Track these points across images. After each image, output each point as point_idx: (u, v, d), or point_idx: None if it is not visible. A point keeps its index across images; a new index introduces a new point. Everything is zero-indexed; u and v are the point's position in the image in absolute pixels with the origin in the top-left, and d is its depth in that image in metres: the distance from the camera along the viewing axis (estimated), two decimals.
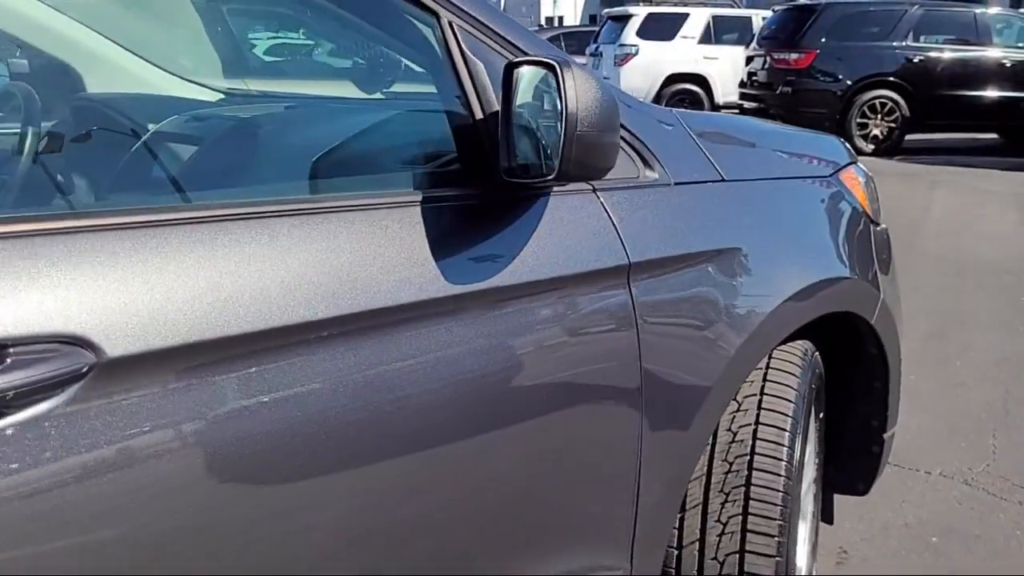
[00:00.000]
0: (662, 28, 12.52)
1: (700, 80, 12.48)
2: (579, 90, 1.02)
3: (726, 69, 12.38)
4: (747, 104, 10.95)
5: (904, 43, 10.21)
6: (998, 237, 6.04)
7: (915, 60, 10.16)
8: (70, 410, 0.77)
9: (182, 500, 0.84)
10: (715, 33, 12.71)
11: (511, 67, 1.10)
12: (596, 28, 15.10)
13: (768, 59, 10.56)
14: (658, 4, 13.36)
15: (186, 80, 2.32)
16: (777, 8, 11.47)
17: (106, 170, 1.63)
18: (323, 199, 1.07)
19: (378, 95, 1.76)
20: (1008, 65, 10.22)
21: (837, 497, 2.22)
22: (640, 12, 12.76)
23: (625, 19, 12.83)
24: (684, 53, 12.40)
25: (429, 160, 1.26)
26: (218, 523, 0.88)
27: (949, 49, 10.26)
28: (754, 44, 11.29)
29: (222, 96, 2.27)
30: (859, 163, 2.05)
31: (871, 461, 2.06)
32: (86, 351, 0.78)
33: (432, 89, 1.28)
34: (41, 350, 0.76)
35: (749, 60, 11.23)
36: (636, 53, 12.28)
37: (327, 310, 0.95)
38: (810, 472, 1.85)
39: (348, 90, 2.49)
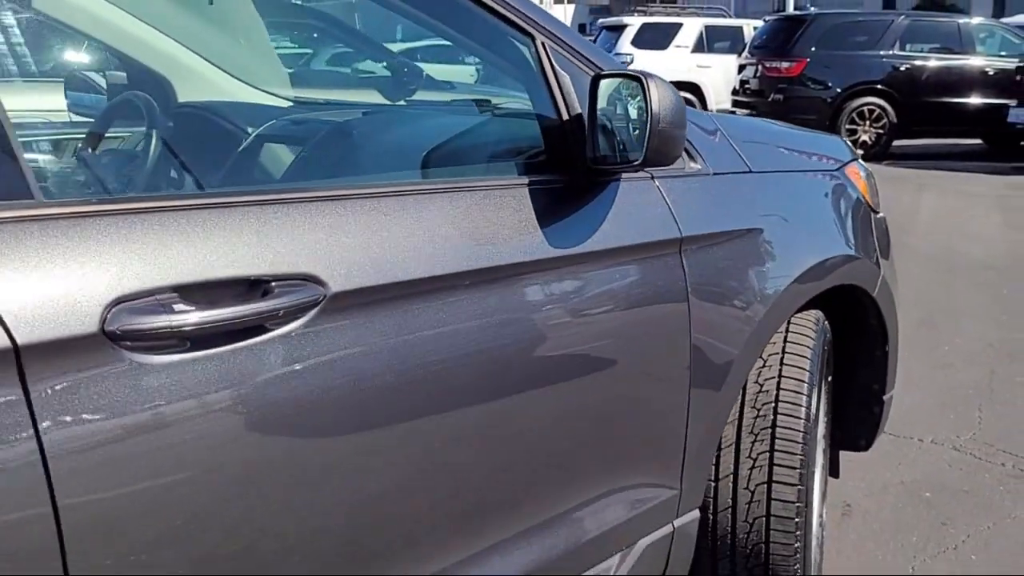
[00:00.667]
0: (656, 38, 12.88)
1: (693, 88, 12.82)
2: (660, 95, 1.31)
3: (718, 77, 12.75)
4: (739, 111, 11.29)
5: (891, 52, 10.57)
6: (983, 236, 6.37)
7: (902, 68, 10.53)
8: (311, 328, 1.06)
9: (389, 396, 1.14)
10: (708, 42, 13.07)
11: (597, 78, 1.39)
12: (588, 38, 15.43)
13: (760, 67, 10.91)
14: (652, 14, 13.72)
15: (258, 89, 2.61)
16: (768, 18, 11.84)
17: (228, 162, 1.92)
18: (444, 181, 1.37)
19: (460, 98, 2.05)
20: (991, 73, 10.60)
21: (841, 455, 2.52)
22: (635, 22, 13.12)
23: (620, 29, 13.18)
24: (678, 62, 12.75)
25: (520, 153, 1.55)
26: (415, 410, 1.18)
27: (934, 58, 10.64)
28: (746, 53, 11.64)
29: (291, 103, 2.56)
30: (859, 159, 2.36)
31: (872, 420, 2.35)
32: (320, 286, 1.07)
33: (509, 96, 1.57)
34: (291, 285, 1.05)
35: (741, 68, 11.58)
36: (631, 62, 12.61)
37: (467, 264, 1.25)
38: (821, 427, 2.14)
39: (373, 96, 2.79)
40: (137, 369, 0.93)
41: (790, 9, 18.30)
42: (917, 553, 2.39)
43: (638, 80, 1.34)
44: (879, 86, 10.47)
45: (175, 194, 1.52)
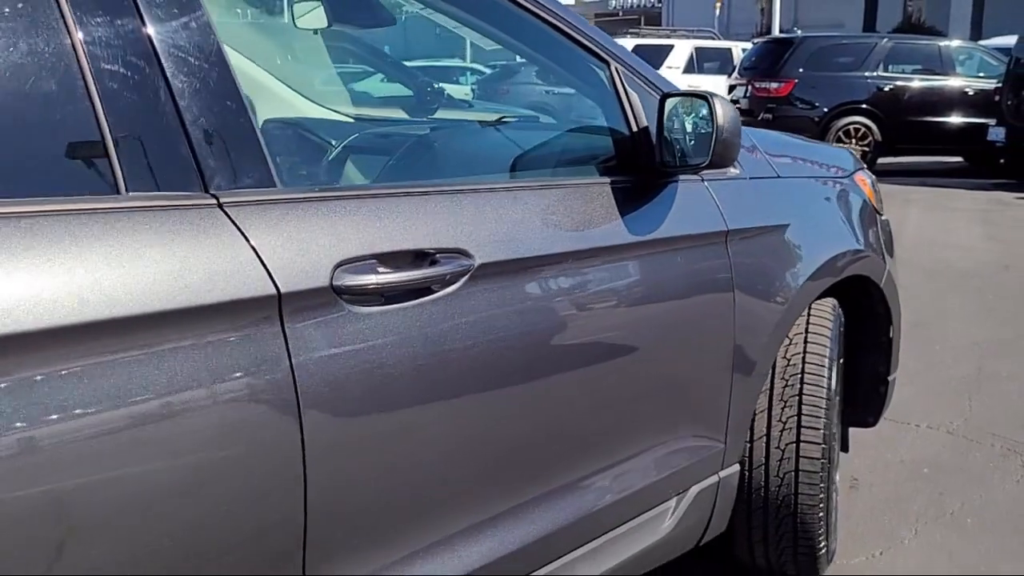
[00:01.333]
0: (648, 59, 13.23)
1: None
2: (723, 110, 1.62)
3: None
4: None
5: (875, 73, 11.01)
6: (967, 248, 6.74)
7: (885, 89, 10.96)
8: (464, 290, 1.35)
9: (520, 345, 1.44)
10: (698, 63, 13.50)
11: (665, 97, 1.71)
12: None
13: (750, 88, 11.32)
14: (644, 36, 14.14)
15: (323, 107, 2.91)
16: (757, 41, 12.26)
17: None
18: (548, 179, 1.68)
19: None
20: (970, 93, 11.05)
21: (850, 435, 2.82)
22: (627, 45, 13.53)
23: None
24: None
25: (594, 159, 1.86)
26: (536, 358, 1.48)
27: (916, 79, 11.09)
28: (736, 74, 12.06)
29: (352, 120, 2.86)
30: (865, 168, 2.68)
31: (878, 399, 2.66)
32: (469, 258, 1.37)
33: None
34: (449, 256, 1.35)
35: (731, 89, 11.99)
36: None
37: (573, 245, 1.55)
38: (836, 402, 2.44)
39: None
40: (352, 316, 1.22)
41: (775, 31, 18.79)
42: (918, 518, 2.69)
43: (704, 98, 1.65)
44: (864, 106, 10.89)
45: (366, 186, 1.79)
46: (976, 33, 24.82)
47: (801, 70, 10.94)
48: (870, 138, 10.84)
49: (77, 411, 0.99)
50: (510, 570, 1.50)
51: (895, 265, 2.63)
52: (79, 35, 1.07)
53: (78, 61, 1.07)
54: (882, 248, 2.51)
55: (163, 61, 1.14)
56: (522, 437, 1.52)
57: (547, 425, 1.55)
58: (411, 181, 1.71)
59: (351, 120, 2.81)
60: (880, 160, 11.02)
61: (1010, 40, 11.45)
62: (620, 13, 44.74)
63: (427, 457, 1.36)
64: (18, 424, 0.94)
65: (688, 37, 13.94)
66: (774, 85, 10.98)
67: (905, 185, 10.02)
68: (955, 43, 12.27)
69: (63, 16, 1.07)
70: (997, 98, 10.55)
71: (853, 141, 10.87)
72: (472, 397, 1.40)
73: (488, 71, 14.69)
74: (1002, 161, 11.04)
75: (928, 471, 3.00)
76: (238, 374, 1.11)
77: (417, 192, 1.39)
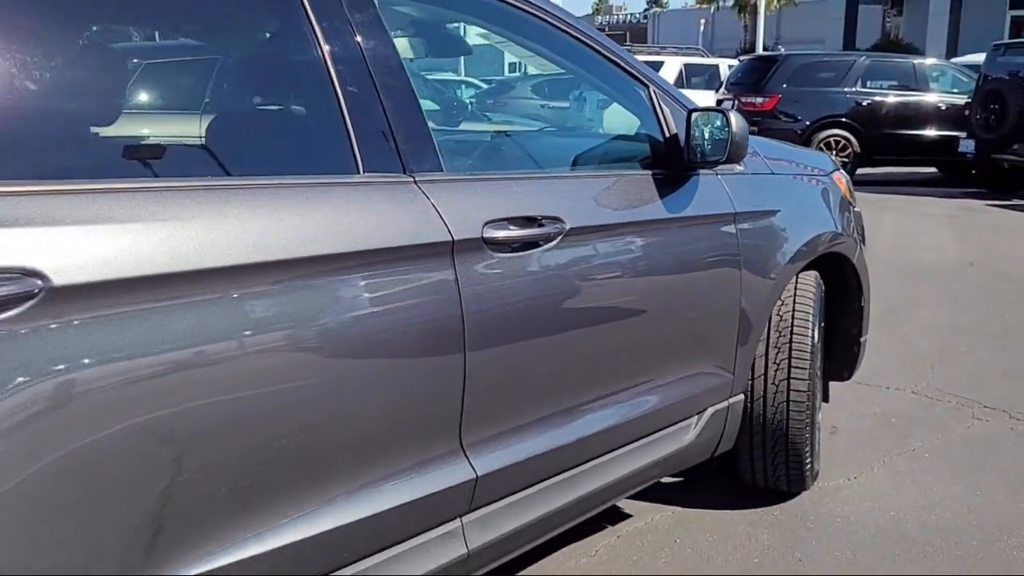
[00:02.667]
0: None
1: None
2: (736, 121, 2.23)
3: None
4: None
5: (854, 89, 11.70)
6: (936, 247, 7.41)
7: (864, 104, 11.65)
8: (559, 248, 1.94)
9: (597, 292, 2.04)
10: (687, 79, 14.19)
11: (692, 111, 2.31)
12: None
13: (736, 102, 11.98)
14: (636, 54, 14.84)
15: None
16: (743, 58, 12.94)
17: None
18: (605, 170, 2.28)
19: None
20: (943, 108, 11.76)
21: (830, 395, 3.41)
22: None
23: None
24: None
25: (635, 157, 2.46)
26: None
27: (893, 94, 11.79)
28: (723, 89, 12.74)
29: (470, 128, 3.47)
30: (841, 169, 3.30)
31: (852, 357, 3.27)
32: (560, 223, 1.96)
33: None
34: (548, 220, 1.94)
35: (719, 103, 12.67)
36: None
37: (628, 218, 2.16)
38: (818, 357, 3.05)
39: None
40: (492, 258, 1.82)
41: (759, 48, 19.51)
42: (886, 454, 3.30)
43: (722, 112, 2.26)
44: (844, 119, 11.58)
45: (497, 171, 2.34)
46: (952, 50, 25.68)
47: (785, 86, 11.62)
48: (849, 150, 11.53)
49: (342, 312, 1.57)
50: (596, 448, 2.12)
51: (864, 248, 3.24)
52: (334, 74, 1.67)
53: (332, 85, 1.67)
54: (855, 233, 3.12)
55: (377, 82, 1.74)
56: (597, 353, 2.12)
57: (614, 346, 2.16)
58: (521, 170, 2.31)
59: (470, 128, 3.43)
60: (859, 171, 11.69)
61: (980, 58, 12.19)
62: (606, 29, 45.49)
63: (537, 358, 1.96)
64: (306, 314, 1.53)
65: (677, 54, 14.65)
66: (759, 100, 11.65)
67: (882, 193, 10.70)
68: (929, 61, 13.01)
69: (324, 58, 1.67)
70: (967, 112, 11.27)
71: (833, 152, 11.54)
72: (566, 321, 2.01)
73: (484, 85, 15.35)
74: (973, 172, 11.76)
75: (895, 420, 3.62)
76: (429, 291, 1.71)
77: (528, 177, 2.00)
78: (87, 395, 1.24)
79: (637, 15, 60.36)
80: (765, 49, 21.30)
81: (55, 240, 1.23)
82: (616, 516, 2.82)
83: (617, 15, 61.77)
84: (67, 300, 1.22)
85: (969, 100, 11.38)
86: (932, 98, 11.85)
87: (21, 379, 1.18)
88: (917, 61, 12.58)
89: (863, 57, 12.19)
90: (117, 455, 1.28)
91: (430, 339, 1.72)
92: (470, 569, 1.94)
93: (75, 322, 1.23)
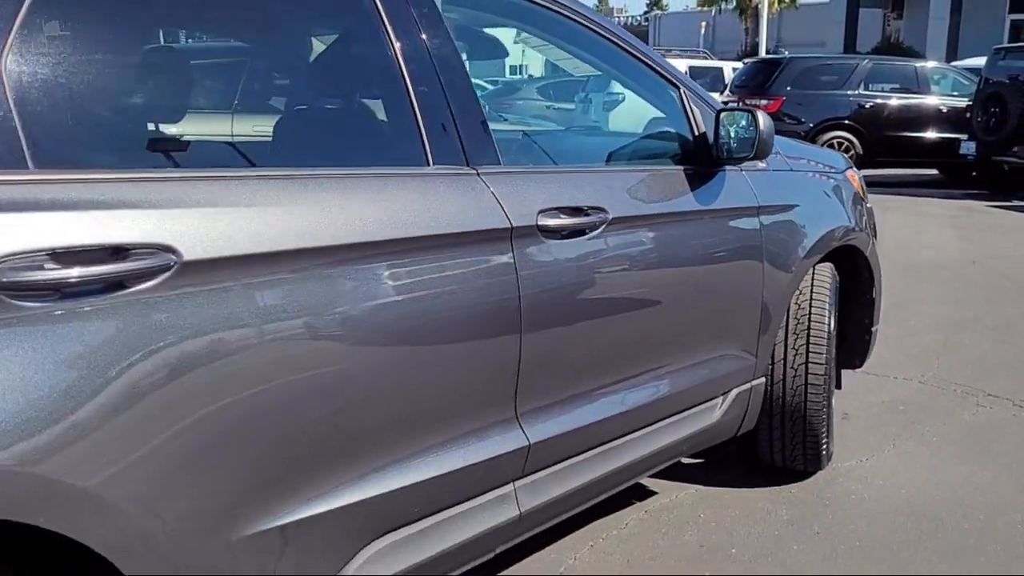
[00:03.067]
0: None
1: None
2: (763, 120, 2.41)
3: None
4: None
5: (857, 91, 11.88)
6: (938, 246, 7.58)
7: (866, 106, 11.83)
8: (604, 235, 2.12)
9: (638, 276, 2.22)
10: None
11: (720, 111, 2.49)
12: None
13: (741, 104, 12.16)
14: None
15: None
16: (748, 61, 13.12)
17: None
18: (639, 165, 2.46)
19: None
20: (944, 111, 11.95)
21: (843, 377, 3.59)
22: None
23: None
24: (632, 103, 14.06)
25: (666, 154, 2.63)
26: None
27: (895, 97, 11.97)
28: (727, 91, 12.91)
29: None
30: (854, 167, 3.47)
31: (864, 346, 3.44)
32: (604, 213, 2.13)
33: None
34: (593, 210, 2.11)
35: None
36: (623, 100, 13.86)
37: (652, 210, 2.33)
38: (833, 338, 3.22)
39: None
40: (545, 244, 1.99)
41: (762, 52, 19.69)
42: (895, 438, 3.48)
43: (749, 112, 2.43)
44: (847, 121, 11.75)
45: (548, 166, 2.55)
46: (952, 54, 25.86)
47: (789, 88, 11.79)
48: (852, 151, 11.69)
49: (416, 290, 1.75)
50: (633, 423, 2.29)
51: (877, 244, 3.42)
52: (407, 75, 1.84)
53: (406, 86, 1.84)
54: (867, 228, 3.30)
55: (443, 82, 1.91)
56: (635, 334, 2.30)
57: (651, 327, 2.34)
58: (566, 164, 2.49)
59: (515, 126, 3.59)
60: (861, 172, 11.86)
61: (980, 61, 12.38)
62: None
63: (582, 336, 2.13)
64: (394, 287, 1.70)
65: (681, 56, 14.83)
66: (764, 102, 11.79)
67: (884, 195, 10.87)
68: (930, 64, 13.19)
69: (398, 61, 1.84)
70: (968, 115, 11.46)
71: None
72: (608, 303, 2.18)
73: (489, 87, 15.54)
74: (974, 174, 11.94)
75: (903, 408, 3.79)
76: (491, 273, 1.88)
77: (574, 171, 2.18)
78: (211, 354, 1.41)
79: (638, 17, 60.64)
80: (768, 53, 21.46)
81: (186, 221, 1.41)
82: (643, 493, 2.99)
83: (618, 17, 61.94)
84: (196, 273, 1.39)
85: (970, 103, 11.56)
86: (933, 101, 12.03)
87: (158, 339, 1.35)
88: (919, 64, 12.76)
89: (866, 60, 12.37)
90: (235, 404, 1.45)
91: (491, 315, 1.89)
92: (520, 531, 2.11)
93: (202, 291, 1.40)
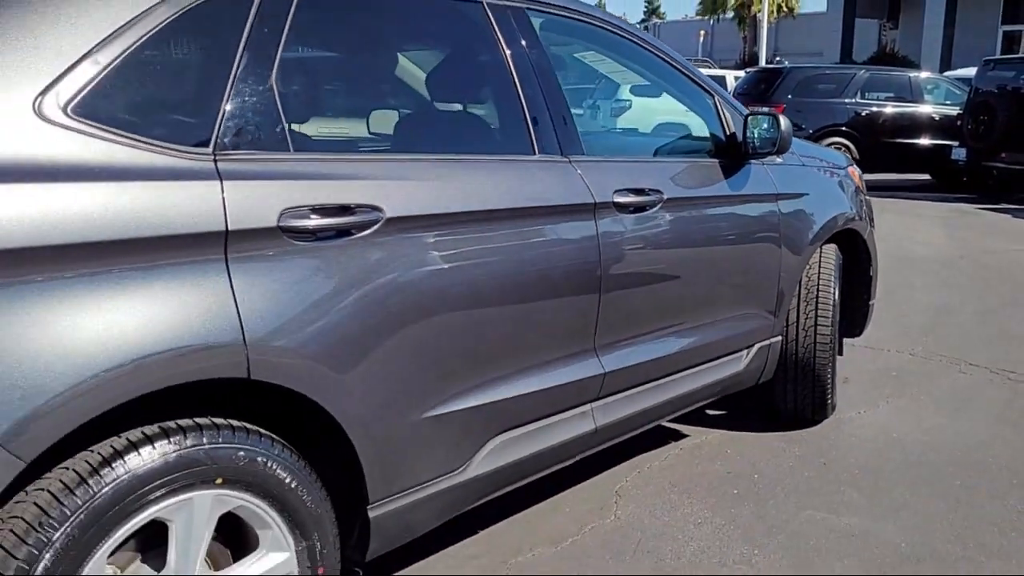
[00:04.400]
0: (650, 86, 14.75)
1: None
2: (784, 122, 3.00)
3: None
4: None
5: (854, 100, 12.49)
6: (929, 243, 8.19)
7: (863, 114, 12.45)
8: (663, 210, 2.70)
9: (685, 246, 2.81)
10: None
11: (748, 115, 3.08)
12: (592, 85, 17.29)
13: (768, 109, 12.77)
14: None
15: None
16: (749, 70, 13.72)
17: None
18: (684, 158, 3.05)
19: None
20: (937, 119, 12.57)
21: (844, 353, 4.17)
22: None
23: None
24: (669, 106, 14.61)
25: (701, 150, 3.22)
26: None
27: (890, 105, 12.58)
28: None
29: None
30: (855, 164, 4.07)
31: (862, 316, 4.03)
32: (661, 194, 2.71)
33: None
34: (653, 192, 2.69)
35: None
36: (630, 107, 14.48)
37: (703, 192, 2.92)
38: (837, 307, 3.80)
39: None
40: (619, 218, 2.57)
41: (762, 61, 20.29)
42: (888, 396, 4.06)
43: (773, 115, 3.02)
44: (844, 128, 12.36)
45: (620, 157, 3.04)
46: (946, 63, 26.48)
47: (789, 96, 12.40)
48: (849, 157, 12.30)
49: (530, 247, 2.33)
50: (680, 363, 2.88)
51: (873, 231, 4.01)
52: (518, 84, 2.43)
53: (517, 92, 2.43)
54: (866, 216, 3.89)
55: (543, 89, 2.49)
56: (683, 291, 2.88)
57: (695, 286, 2.92)
58: (631, 155, 3.08)
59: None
60: None
61: (971, 71, 13.01)
62: None
63: (644, 290, 2.71)
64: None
65: None
66: (765, 109, 12.42)
67: (880, 197, 11.45)
68: (924, 74, 13.82)
69: (511, 72, 2.43)
70: (959, 123, 12.08)
71: None
72: (663, 265, 2.77)
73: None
74: (964, 179, 12.57)
75: (896, 373, 4.38)
76: (579, 238, 2.46)
77: (635, 160, 2.78)
78: (402, 280, 2.00)
79: (636, 25, 61.26)
80: (769, 62, 22.10)
81: (387, 190, 1.99)
82: (677, 435, 3.58)
83: None
84: (393, 225, 1.98)
85: (961, 111, 12.18)
86: (926, 109, 12.64)
87: (371, 269, 1.94)
88: (913, 74, 13.39)
89: (862, 70, 13.00)
90: (416, 315, 2.04)
91: (579, 268, 2.47)
92: (595, 443, 2.69)
93: (397, 238, 1.99)
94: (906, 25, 31.56)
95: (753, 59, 25.55)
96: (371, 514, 2.03)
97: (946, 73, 15.73)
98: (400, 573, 2.55)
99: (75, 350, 1.49)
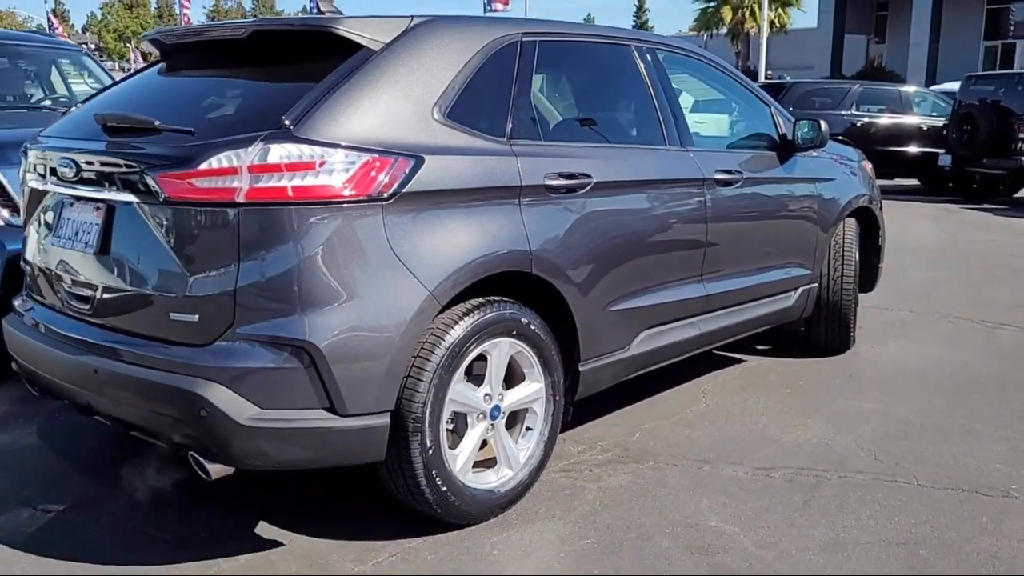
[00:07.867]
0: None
1: None
2: (823, 125, 4.21)
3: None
4: None
5: (849, 111, 13.74)
6: (921, 235, 9.45)
7: (858, 124, 13.70)
8: (739, 185, 3.91)
9: (746, 219, 4.03)
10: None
11: (795, 121, 4.29)
12: None
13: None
14: None
15: None
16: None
17: None
18: (748, 150, 4.27)
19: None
20: (924, 129, 13.84)
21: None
22: None
23: None
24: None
25: (761, 145, 4.41)
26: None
27: (882, 116, 13.85)
28: None
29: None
30: (866, 158, 5.30)
31: (873, 277, 5.25)
32: (740, 174, 3.91)
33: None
34: (736, 172, 3.90)
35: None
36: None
37: (762, 174, 4.14)
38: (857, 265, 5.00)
39: None
40: (717, 190, 3.77)
41: (761, 76, 21.55)
42: (894, 337, 5.27)
43: (816, 121, 4.24)
44: (841, 137, 13.56)
45: (704, 146, 4.16)
46: (932, 76, 27.85)
47: (791, 108, 13.63)
48: (861, 152, 13.55)
49: (668, 208, 3.54)
50: (751, 295, 4.08)
51: (881, 210, 5.22)
52: (654, 96, 3.64)
53: (654, 102, 3.64)
54: (877, 198, 5.11)
55: (669, 101, 3.69)
56: (755, 242, 4.07)
57: (762, 240, 4.12)
58: (715, 146, 4.29)
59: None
60: None
61: (955, 85, 14.31)
62: None
63: (732, 239, 3.91)
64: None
65: None
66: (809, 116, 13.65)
67: None
68: (912, 88, 15.13)
69: (650, 90, 3.64)
70: (945, 132, 13.36)
71: None
72: (743, 223, 3.98)
73: None
74: (950, 183, 13.84)
75: (899, 324, 5.60)
76: (694, 203, 3.67)
77: (724, 151, 4.00)
78: (605, 221, 3.20)
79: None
80: (767, 77, 23.48)
81: (595, 163, 3.20)
82: (738, 360, 4.78)
83: None
84: (598, 187, 3.18)
85: (946, 122, 13.46)
86: (915, 120, 13.91)
87: (587, 215, 3.14)
88: (903, 89, 14.69)
89: (857, 85, 14.29)
90: (610, 244, 3.24)
91: (693, 221, 3.67)
92: (698, 345, 3.89)
93: (601, 195, 3.19)
94: (893, 41, 33.00)
95: (747, 73, 26.81)
96: (580, 369, 3.22)
97: (932, 87, 17.07)
98: (399, 573, 3.73)
99: (462, 246, 2.70)
